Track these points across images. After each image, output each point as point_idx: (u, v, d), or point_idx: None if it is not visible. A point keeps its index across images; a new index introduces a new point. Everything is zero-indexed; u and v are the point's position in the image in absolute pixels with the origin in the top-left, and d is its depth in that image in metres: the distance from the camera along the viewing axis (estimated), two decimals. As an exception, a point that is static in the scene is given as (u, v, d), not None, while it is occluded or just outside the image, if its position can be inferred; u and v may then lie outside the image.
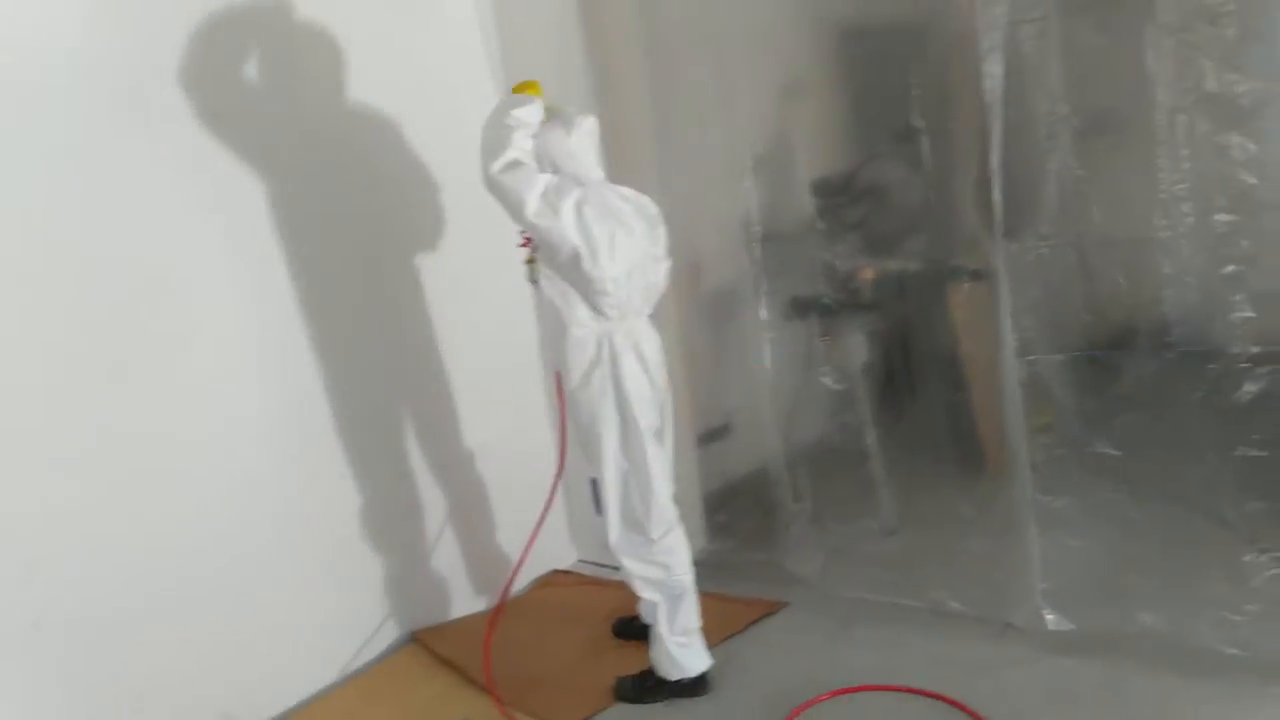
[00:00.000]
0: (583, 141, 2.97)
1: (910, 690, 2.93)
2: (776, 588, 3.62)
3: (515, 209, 2.83)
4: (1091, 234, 3.14)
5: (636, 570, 3.06)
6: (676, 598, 3.06)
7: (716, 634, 3.31)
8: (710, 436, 4.16)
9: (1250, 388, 2.75)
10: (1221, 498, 2.83)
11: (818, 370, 3.83)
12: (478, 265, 3.65)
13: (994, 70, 3.00)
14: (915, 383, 3.79)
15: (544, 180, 2.83)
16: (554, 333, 3.00)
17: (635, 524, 3.03)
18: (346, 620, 3.45)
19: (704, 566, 3.66)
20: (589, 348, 2.93)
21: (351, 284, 3.44)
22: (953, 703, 2.84)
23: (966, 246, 3.42)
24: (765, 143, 3.77)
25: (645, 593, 3.08)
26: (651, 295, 3.08)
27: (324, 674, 3.38)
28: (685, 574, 3.07)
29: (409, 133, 3.58)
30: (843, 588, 3.53)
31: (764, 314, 3.70)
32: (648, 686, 3.13)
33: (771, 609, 3.53)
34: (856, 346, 3.88)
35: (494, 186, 2.84)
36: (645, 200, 3.12)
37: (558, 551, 4.05)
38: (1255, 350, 2.76)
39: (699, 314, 4.04)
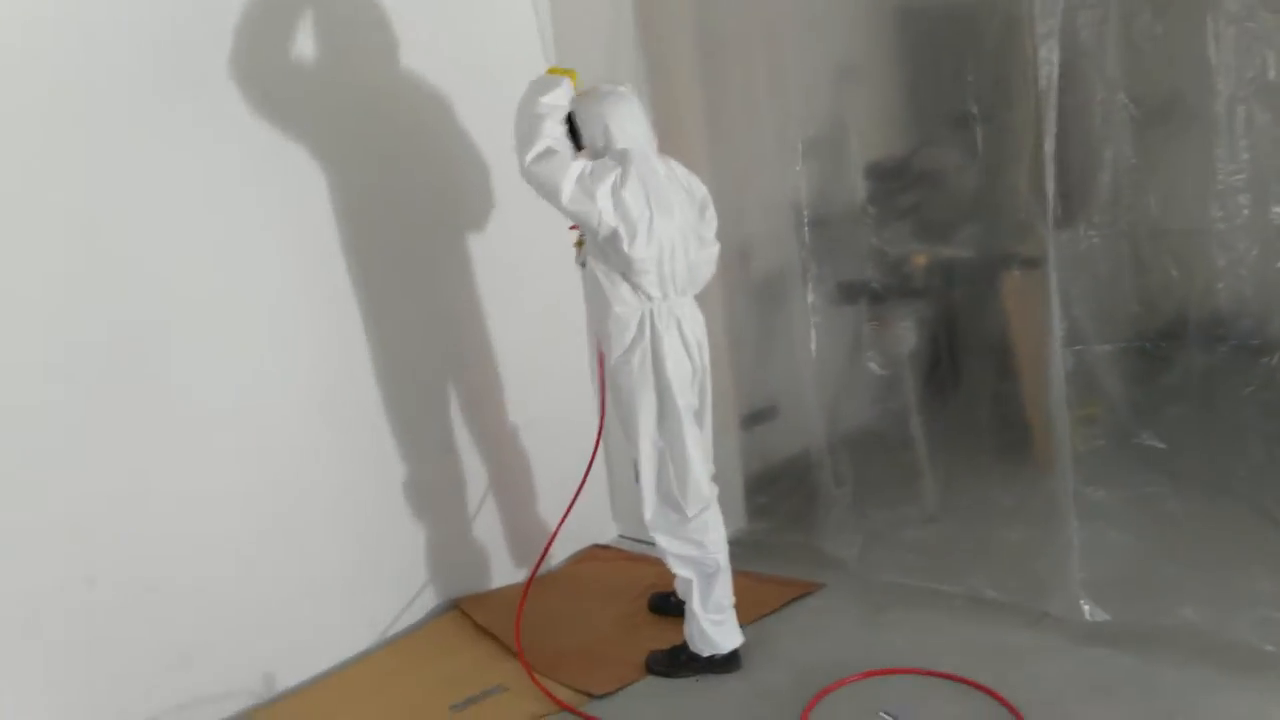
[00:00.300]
0: (620, 111, 2.96)
1: (941, 675, 2.93)
2: (813, 570, 3.63)
3: (551, 197, 2.85)
4: (1145, 224, 3.10)
5: (671, 547, 3.09)
6: (710, 575, 3.08)
7: (751, 613, 3.33)
8: (756, 419, 4.16)
9: (1302, 383, 2.71)
10: (1266, 493, 2.79)
11: (864, 355, 3.82)
12: (525, 243, 3.69)
13: (1050, 56, 2.95)
14: (962, 370, 3.76)
15: (579, 166, 2.84)
16: (598, 310, 3.03)
17: (671, 501, 3.06)
18: (389, 586, 3.52)
19: (742, 546, 3.70)
20: (631, 326, 2.96)
21: (401, 259, 3.50)
22: (984, 689, 2.83)
23: (1019, 234, 3.39)
24: (816, 126, 3.76)
25: (679, 569, 3.11)
26: (696, 276, 3.09)
27: (365, 638, 3.45)
28: (719, 552, 3.09)
29: (460, 113, 3.62)
30: (879, 572, 3.53)
31: (811, 298, 3.70)
32: (680, 661, 3.16)
33: (807, 590, 3.54)
34: (904, 333, 3.85)
35: (530, 177, 2.87)
36: (695, 181, 3.14)
37: (598, 526, 4.09)
38: (1309, 346, 2.72)
39: (747, 297, 4.04)
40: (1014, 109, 3.28)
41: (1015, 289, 3.56)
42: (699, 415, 3.08)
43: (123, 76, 2.85)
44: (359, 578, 3.42)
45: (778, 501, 3.98)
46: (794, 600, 3.49)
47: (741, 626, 3.17)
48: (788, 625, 3.37)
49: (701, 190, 3.15)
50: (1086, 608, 3.04)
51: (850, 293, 3.87)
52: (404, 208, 3.50)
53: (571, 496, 3.38)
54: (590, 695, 3.09)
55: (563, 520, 3.41)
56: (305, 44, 3.23)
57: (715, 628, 3.11)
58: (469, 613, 3.60)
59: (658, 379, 2.98)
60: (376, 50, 3.41)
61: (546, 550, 3.46)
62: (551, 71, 3.02)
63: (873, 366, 3.78)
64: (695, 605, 3.10)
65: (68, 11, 2.73)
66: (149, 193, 2.90)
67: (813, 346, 3.72)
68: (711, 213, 3.18)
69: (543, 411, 3.87)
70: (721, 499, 3.18)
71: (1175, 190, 3.07)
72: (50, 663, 2.77)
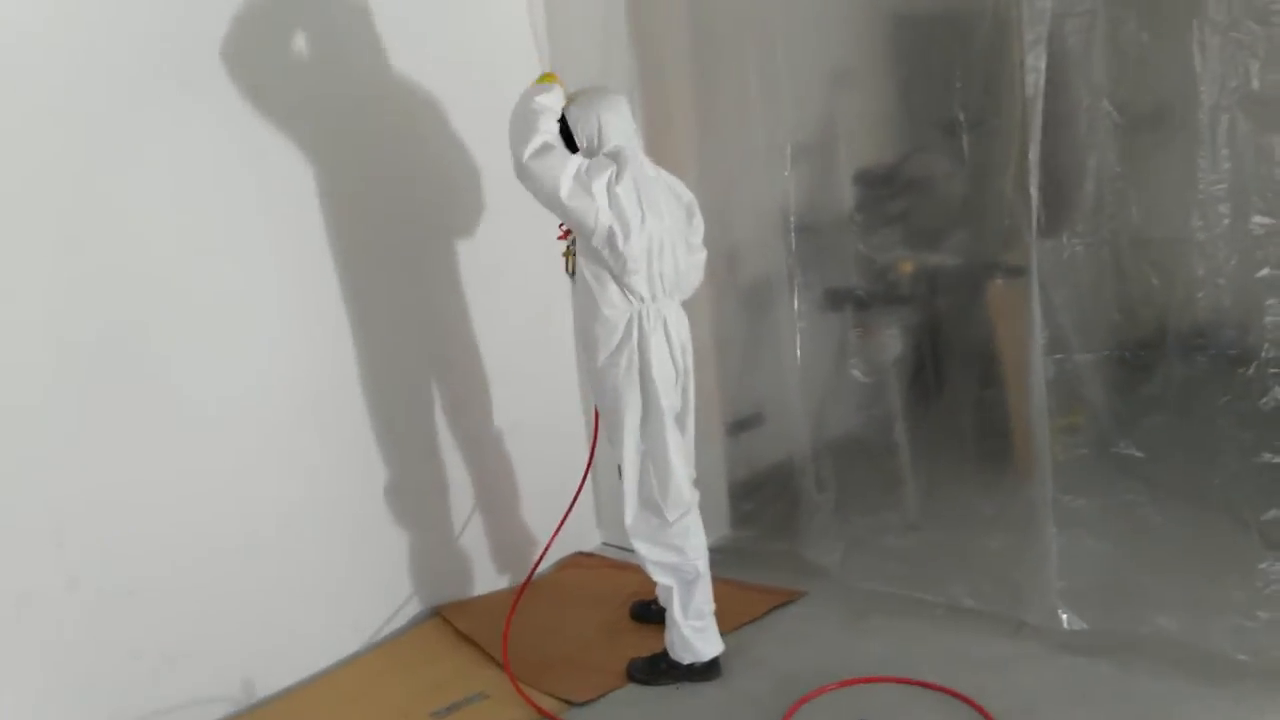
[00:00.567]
0: (614, 111, 2.98)
1: (920, 684, 2.93)
2: (795, 577, 3.64)
3: (550, 193, 2.85)
4: (1127, 233, 3.09)
5: (650, 554, 3.09)
6: (690, 583, 3.08)
7: (733, 620, 3.34)
8: (741, 425, 4.16)
9: (1279, 393, 2.70)
10: (1241, 503, 2.79)
11: (849, 363, 3.82)
12: (513, 248, 3.70)
13: (1037, 63, 2.96)
14: (945, 378, 3.75)
15: (576, 161, 2.86)
16: (586, 313, 3.03)
17: (651, 505, 3.06)
18: (370, 592, 3.52)
19: (725, 554, 3.71)
20: (619, 328, 2.96)
21: (389, 262, 3.50)
22: (962, 698, 2.84)
23: (1004, 242, 3.38)
24: (806, 132, 3.76)
25: (659, 577, 3.11)
26: (684, 282, 3.10)
27: (347, 644, 3.45)
28: (699, 559, 3.09)
29: (453, 116, 3.63)
30: (861, 579, 3.53)
31: (798, 305, 3.70)
32: (660, 669, 3.16)
33: (789, 598, 3.54)
34: (889, 340, 3.85)
35: (526, 173, 2.86)
36: (681, 186, 3.15)
37: (582, 533, 4.09)
38: (1287, 355, 2.71)
39: (733, 303, 4.04)
40: (1001, 116, 3.28)
41: (999, 297, 3.55)
42: (681, 418, 3.09)
43: (118, 78, 2.86)
44: (343, 583, 3.42)
45: (762, 508, 3.98)
46: (775, 608, 3.49)
47: (723, 634, 3.17)
48: (769, 633, 3.37)
49: (688, 196, 3.16)
50: (1065, 616, 3.04)
51: (836, 300, 3.86)
52: (394, 211, 3.51)
53: (567, 506, 3.39)
54: (571, 703, 3.09)
55: (556, 531, 3.42)
56: (298, 45, 3.24)
57: (696, 635, 3.11)
58: (451, 620, 3.59)
59: (643, 381, 2.98)
60: (369, 53, 3.42)
61: (539, 562, 3.46)
62: (542, 79, 3.03)
63: (857, 374, 3.77)
64: (676, 613, 3.10)
65: (65, 12, 2.74)
66: (136, 195, 2.90)
67: (798, 353, 3.73)
68: (699, 219, 3.19)
69: (527, 417, 3.87)
70: (705, 506, 3.18)
71: (1157, 199, 3.06)
72: (30, 665, 2.76)
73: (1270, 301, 2.74)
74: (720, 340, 3.97)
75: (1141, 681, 2.82)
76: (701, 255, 3.21)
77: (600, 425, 3.20)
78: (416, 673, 3.33)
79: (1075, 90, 3.15)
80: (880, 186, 3.96)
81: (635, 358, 2.97)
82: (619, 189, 2.85)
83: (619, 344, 2.97)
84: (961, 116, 3.41)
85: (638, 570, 3.25)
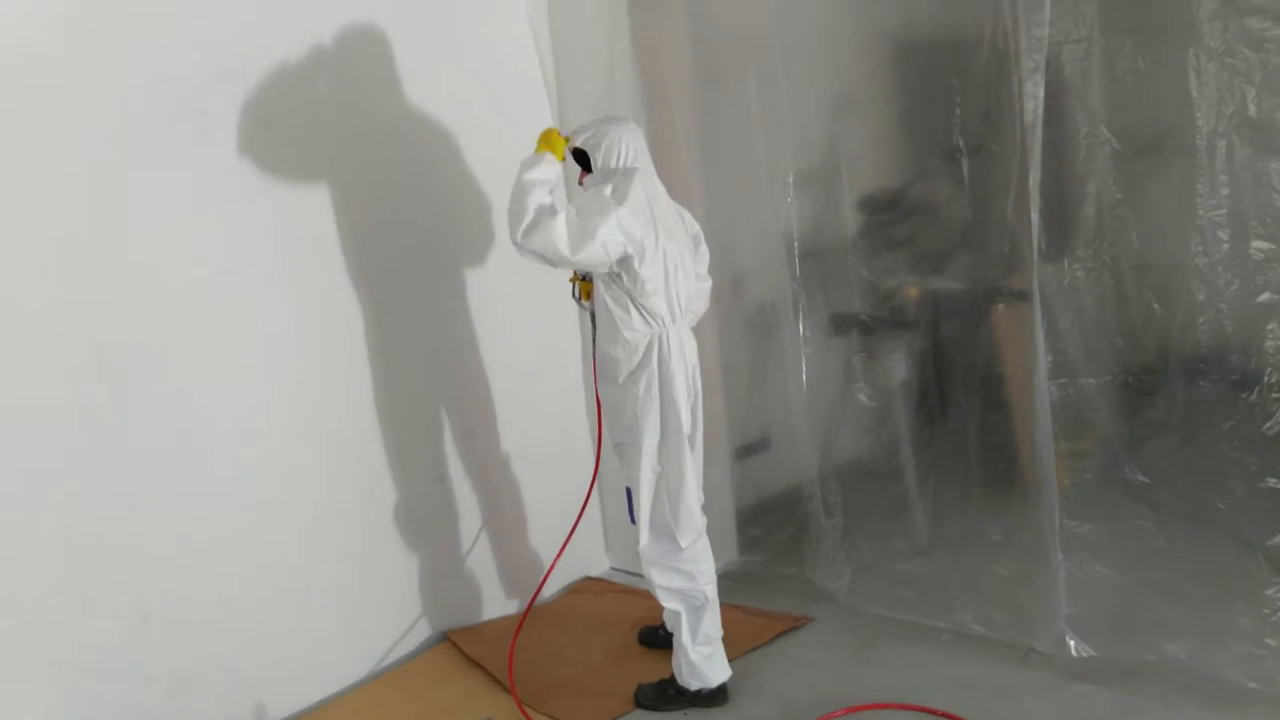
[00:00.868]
0: (629, 132, 3.00)
1: (927, 710, 2.93)
2: (803, 602, 3.64)
3: (556, 259, 2.85)
4: (1127, 258, 3.12)
5: (660, 580, 3.10)
6: (698, 608, 3.09)
7: (741, 646, 3.34)
8: (748, 450, 4.18)
9: (1282, 418, 2.72)
10: (1248, 528, 2.79)
11: (855, 387, 3.83)
12: (521, 276, 3.70)
13: (1035, 91, 2.98)
14: (951, 402, 3.76)
15: (561, 217, 2.82)
16: (606, 336, 3.05)
17: (664, 530, 3.07)
18: (380, 617, 3.54)
19: (733, 579, 3.72)
20: (639, 350, 2.98)
21: (401, 289, 3.54)
22: (969, 725, 2.84)
23: (1006, 267, 3.41)
24: (808, 159, 3.80)
25: (668, 602, 3.12)
26: (693, 307, 3.13)
27: (357, 668, 3.46)
28: (708, 584, 3.10)
29: (463, 146, 3.67)
30: (869, 605, 3.54)
31: (803, 330, 3.72)
32: (667, 695, 3.16)
33: (797, 623, 3.55)
34: (895, 364, 3.87)
35: (526, 253, 2.87)
36: (687, 215, 3.20)
37: (591, 558, 4.11)
38: (1289, 380, 2.73)
39: (738, 328, 4.07)
40: (1001, 142, 3.31)
41: (1003, 321, 3.57)
42: (691, 440, 3.10)
43: (140, 109, 2.91)
44: (353, 607, 3.44)
45: (769, 533, 3.99)
46: (783, 634, 3.49)
47: (730, 660, 3.17)
48: (776, 659, 3.37)
49: (695, 226, 3.21)
50: (1072, 643, 3.04)
51: (841, 324, 3.89)
52: (405, 238, 3.55)
53: (568, 531, 3.40)
54: (578, 728, 3.10)
55: (558, 556, 3.45)
56: (313, 77, 3.29)
57: (703, 661, 3.12)
58: (459, 644, 3.61)
59: (663, 403, 3.00)
60: (383, 88, 3.47)
61: (540, 588, 3.48)
62: (545, 136, 3.03)
63: (863, 398, 3.79)
64: (684, 638, 3.11)
65: (90, 43, 2.80)
66: (155, 222, 2.95)
67: (804, 378, 3.74)
68: (704, 249, 3.23)
69: (536, 443, 3.90)
70: (713, 531, 3.19)
71: (1157, 224, 3.09)
72: (43, 687, 2.79)
73: (1271, 326, 2.76)
74: (726, 365, 4.00)
75: (1151, 709, 2.80)
76: (707, 284, 3.26)
77: (608, 450, 3.22)
78: (425, 697, 3.34)
79: (1074, 117, 3.18)
80: (883, 212, 3.99)
81: (655, 380, 2.99)
82: (625, 211, 2.84)
83: (638, 366, 2.99)
84: (961, 143, 3.45)
85: (646, 595, 3.26)
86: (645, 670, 3.31)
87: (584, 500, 3.45)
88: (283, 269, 3.24)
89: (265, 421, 3.21)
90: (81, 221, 2.82)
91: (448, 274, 3.72)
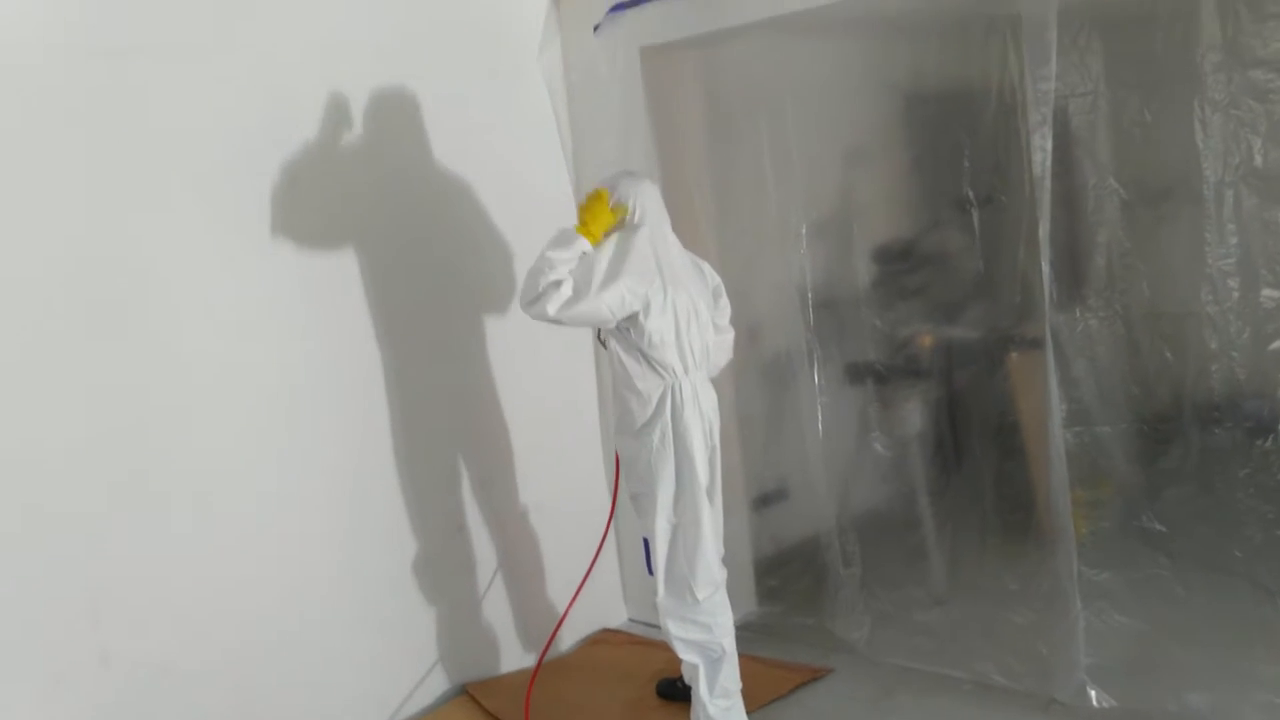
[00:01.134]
0: (643, 190, 3.09)
1: (949, 762, 2.92)
2: (822, 653, 3.63)
3: (597, 323, 2.96)
4: (1139, 306, 3.15)
5: (678, 631, 3.10)
6: (716, 661, 3.09)
7: (760, 698, 3.33)
8: (766, 500, 4.19)
9: (1297, 465, 2.72)
10: (1266, 576, 2.78)
11: (871, 436, 3.85)
12: (538, 325, 3.75)
13: (1043, 144, 3.03)
14: (968, 451, 3.78)
15: (566, 286, 2.89)
16: (620, 387, 3.08)
17: (681, 582, 3.07)
18: (397, 669, 3.54)
19: (752, 630, 3.71)
20: (652, 401, 3.01)
21: (420, 342, 3.58)
22: (990, 777, 2.82)
23: (1018, 316, 3.44)
24: (820, 211, 3.84)
25: (685, 655, 3.11)
26: (713, 358, 3.16)
27: (374, 721, 3.47)
28: (726, 637, 3.10)
29: (483, 201, 3.73)
30: (888, 655, 3.52)
31: (818, 379, 3.74)
32: (686, 748, 3.16)
33: (816, 675, 3.53)
34: (910, 414, 3.89)
35: (562, 322, 2.94)
36: (707, 267, 3.24)
37: (609, 609, 4.11)
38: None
39: (755, 378, 4.09)
40: (1010, 193, 3.36)
41: (1017, 370, 3.59)
42: (709, 493, 3.11)
43: (163, 165, 2.96)
44: (372, 660, 3.43)
45: (787, 584, 3.98)
46: (802, 685, 3.48)
47: (749, 712, 3.16)
48: (795, 710, 3.35)
49: (715, 279, 3.24)
50: (1093, 693, 3.02)
51: (856, 374, 3.91)
52: (424, 290, 3.59)
53: (582, 578, 3.41)
54: (597, 782, 3.10)
55: (569, 607, 3.46)
56: (334, 133, 3.35)
57: (722, 714, 3.10)
58: (477, 697, 3.61)
59: (678, 455, 3.02)
60: (399, 139, 3.53)
61: (552, 637, 3.49)
62: (593, 207, 3.06)
63: (879, 447, 3.81)
64: (702, 691, 3.10)
65: (108, 97, 2.87)
66: (177, 281, 3.00)
67: (820, 428, 3.76)
68: (725, 300, 3.26)
69: (554, 494, 3.91)
70: (731, 582, 3.19)
71: (1167, 273, 3.12)
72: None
73: (1282, 374, 2.78)
74: (743, 416, 4.02)
75: (1173, 760, 2.80)
76: (729, 336, 3.29)
77: (624, 502, 3.24)
78: (444, 753, 3.34)
79: (1082, 168, 3.23)
80: (896, 262, 4.03)
81: (669, 431, 3.01)
82: (625, 278, 2.89)
83: (652, 417, 3.02)
84: (971, 194, 3.50)
85: (664, 647, 3.26)
86: (664, 723, 3.31)
87: (597, 549, 3.46)
88: (304, 324, 3.27)
89: (286, 476, 3.23)
90: (107, 282, 2.88)
91: (467, 325, 3.76)
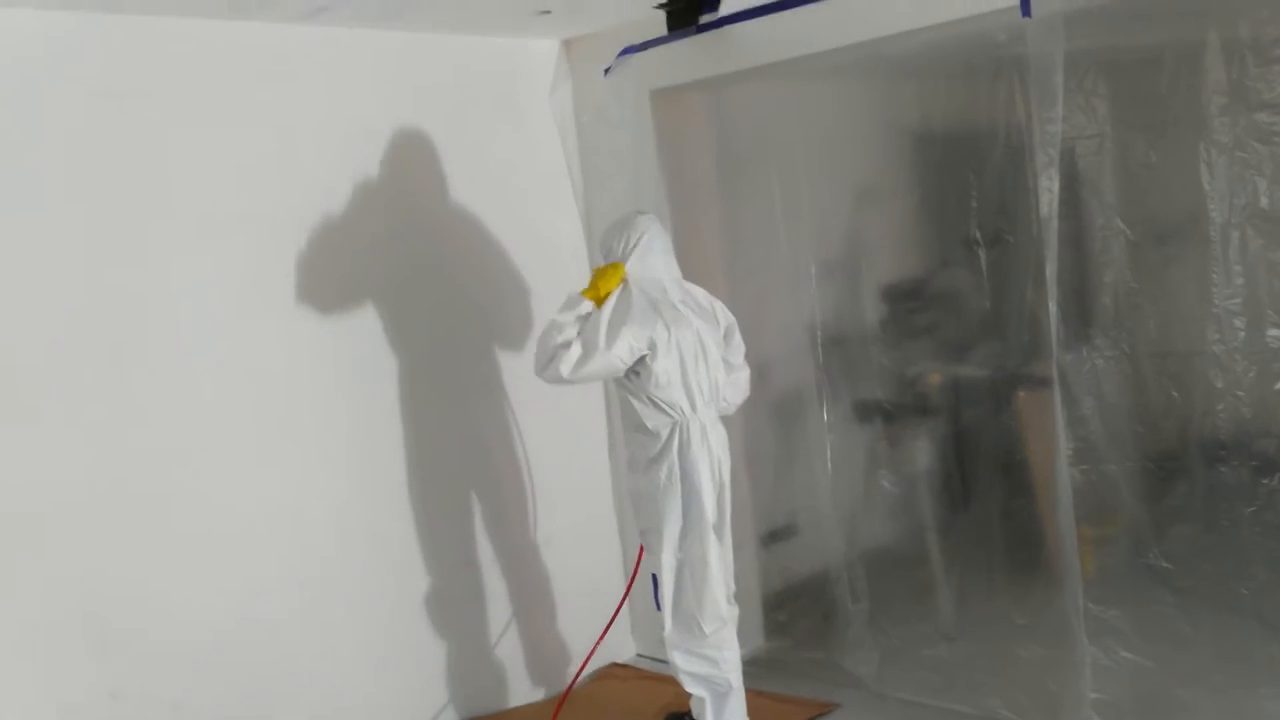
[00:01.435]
0: (647, 248, 3.12)
1: (956, 799, 2.91)
2: (831, 688, 3.62)
3: (610, 375, 3.03)
4: (1145, 346, 3.18)
5: (685, 665, 3.11)
6: (722, 695, 3.09)
7: (768, 734, 3.33)
8: (775, 536, 4.20)
9: (1303, 503, 2.74)
10: (1272, 613, 2.79)
11: (879, 473, 3.87)
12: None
13: (1050, 185, 3.06)
14: (976, 488, 3.80)
15: (576, 346, 2.97)
16: (629, 424, 3.12)
17: (688, 616, 3.09)
18: (408, 703, 3.54)
19: (760, 665, 3.71)
20: (660, 438, 3.04)
21: (433, 377, 3.62)
22: (998, 814, 2.81)
23: (1026, 355, 3.47)
24: (830, 250, 3.89)
25: (692, 688, 3.12)
26: (727, 395, 3.19)
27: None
28: (732, 671, 3.10)
29: (499, 240, 3.79)
30: (897, 690, 3.51)
31: (827, 417, 3.77)
32: (694, 782, 3.15)
33: (824, 710, 3.52)
34: (918, 451, 3.91)
35: (577, 381, 3.03)
36: (719, 306, 3.26)
37: (617, 644, 4.10)
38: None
39: (764, 415, 4.12)
40: (1017, 234, 3.40)
41: (1025, 408, 3.61)
42: (718, 530, 3.13)
43: (171, 210, 3.03)
44: (381, 694, 3.45)
45: (796, 618, 3.98)
46: (811, 720, 3.48)
47: (760, 748, 3.16)
48: (805, 746, 3.36)
49: (728, 318, 3.25)
50: (1101, 730, 3.02)
51: (865, 411, 3.94)
52: (441, 329, 3.65)
53: (609, 619, 3.47)
54: (604, 816, 3.09)
55: (597, 642, 3.49)
56: (352, 181, 3.42)
57: (729, 748, 3.11)
58: (487, 732, 3.62)
59: (685, 492, 3.04)
60: (414, 184, 3.60)
61: (579, 675, 3.50)
62: (605, 274, 3.12)
63: (887, 484, 3.83)
64: (709, 725, 3.11)
65: (123, 144, 2.95)
66: (184, 317, 3.05)
67: (829, 464, 3.77)
68: (738, 339, 3.27)
69: (563, 529, 3.93)
70: (740, 617, 3.19)
71: (1173, 313, 3.16)
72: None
73: (1288, 413, 2.80)
74: (752, 452, 4.03)
75: (1179, 797, 2.79)
76: (744, 373, 3.30)
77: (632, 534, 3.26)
78: (453, 786, 3.34)
79: (1089, 209, 3.27)
80: (904, 301, 4.07)
81: (676, 469, 3.03)
82: (625, 333, 2.94)
83: (659, 454, 3.04)
84: (979, 235, 3.54)
85: (672, 682, 3.26)
86: (672, 758, 3.31)
87: (626, 588, 3.47)
88: (316, 359, 3.32)
89: (296, 512, 3.27)
90: (115, 323, 2.94)
91: (480, 363, 3.80)
